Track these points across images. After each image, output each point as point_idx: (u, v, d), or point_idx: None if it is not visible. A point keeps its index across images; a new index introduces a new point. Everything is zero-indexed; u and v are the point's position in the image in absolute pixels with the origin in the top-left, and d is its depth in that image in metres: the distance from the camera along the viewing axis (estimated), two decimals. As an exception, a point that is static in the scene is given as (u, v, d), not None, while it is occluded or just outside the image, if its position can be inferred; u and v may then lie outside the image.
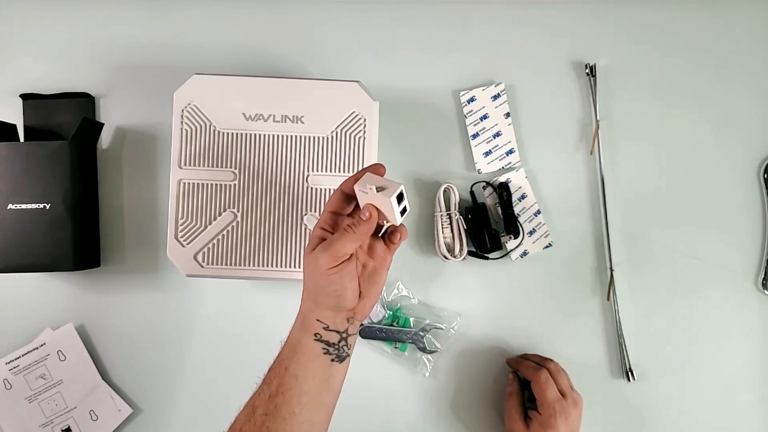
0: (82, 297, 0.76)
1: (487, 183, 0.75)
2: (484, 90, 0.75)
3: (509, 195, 0.74)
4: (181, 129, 0.66)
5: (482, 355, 0.76)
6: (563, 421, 0.65)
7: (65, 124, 0.75)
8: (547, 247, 0.75)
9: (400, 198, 0.49)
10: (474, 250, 0.74)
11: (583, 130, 0.76)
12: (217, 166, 0.66)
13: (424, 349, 0.74)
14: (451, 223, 0.72)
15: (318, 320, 0.53)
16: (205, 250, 0.66)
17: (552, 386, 0.66)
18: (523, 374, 0.70)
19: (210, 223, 0.66)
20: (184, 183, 0.66)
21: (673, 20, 0.76)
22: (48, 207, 0.68)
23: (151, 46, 0.76)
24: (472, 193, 0.74)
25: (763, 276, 0.76)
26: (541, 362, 0.70)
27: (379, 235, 0.54)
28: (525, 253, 0.75)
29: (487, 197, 0.75)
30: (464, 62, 0.76)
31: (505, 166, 0.75)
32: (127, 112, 0.76)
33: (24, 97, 0.75)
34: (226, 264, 0.66)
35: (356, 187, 0.51)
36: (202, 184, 0.66)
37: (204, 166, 0.66)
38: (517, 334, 0.76)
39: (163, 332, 0.76)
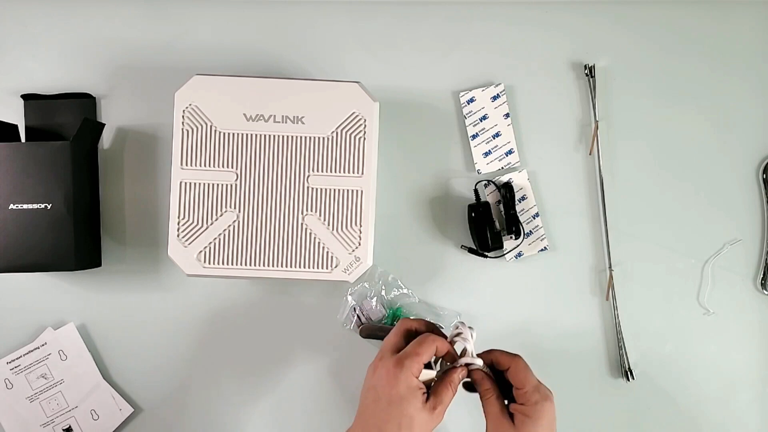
0: (84, 297, 0.76)
1: (490, 181, 0.75)
2: (483, 90, 0.75)
3: (512, 195, 0.74)
4: (182, 129, 0.66)
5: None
6: (549, 408, 0.58)
7: (66, 125, 0.75)
8: (542, 250, 0.75)
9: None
10: (474, 248, 0.74)
11: (582, 130, 0.76)
12: (217, 167, 0.66)
13: (424, 349, 0.74)
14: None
15: None
16: (206, 249, 0.66)
17: (531, 372, 0.60)
18: (497, 361, 0.61)
19: (211, 223, 0.66)
20: (185, 183, 0.66)
21: (673, 20, 0.77)
22: (49, 207, 0.69)
23: (152, 47, 0.76)
24: (476, 191, 0.74)
25: (762, 276, 0.76)
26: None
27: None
28: (520, 255, 0.75)
29: (488, 195, 0.76)
30: (464, 63, 0.76)
31: (505, 166, 0.75)
32: (128, 113, 0.76)
33: (25, 97, 0.76)
34: (227, 264, 0.66)
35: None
36: (203, 185, 0.66)
37: (205, 166, 0.66)
38: (517, 333, 0.76)
39: (165, 332, 0.76)
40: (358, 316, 0.74)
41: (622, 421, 0.76)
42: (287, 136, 0.66)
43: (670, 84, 0.77)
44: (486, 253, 0.74)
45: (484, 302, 0.76)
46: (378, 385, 0.55)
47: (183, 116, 0.66)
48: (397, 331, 0.60)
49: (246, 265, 0.66)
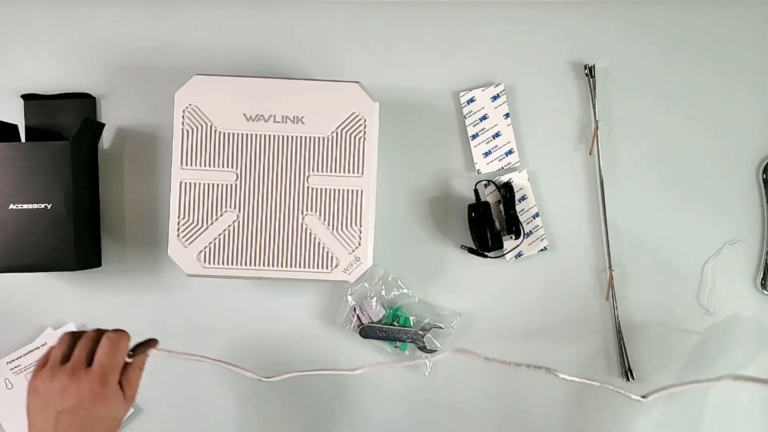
0: (83, 297, 0.76)
1: (490, 181, 0.75)
2: (483, 90, 0.75)
3: (512, 195, 0.74)
4: (182, 129, 0.66)
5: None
6: None
7: (66, 125, 0.75)
8: (542, 250, 0.75)
9: None
10: (474, 248, 0.74)
11: (582, 130, 0.76)
12: (217, 167, 0.66)
13: (424, 349, 0.74)
14: None
15: None
16: (207, 249, 0.66)
17: None
18: None
19: (211, 223, 0.66)
20: (185, 183, 0.66)
21: (673, 21, 0.77)
22: (49, 207, 0.69)
23: (152, 47, 0.76)
24: (476, 191, 0.74)
25: (762, 276, 0.76)
26: None
27: None
28: (520, 255, 0.75)
29: (488, 195, 0.76)
30: (464, 63, 0.76)
31: (505, 166, 0.75)
32: (128, 113, 0.76)
33: (25, 97, 0.76)
34: (227, 264, 0.66)
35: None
36: (203, 185, 0.66)
37: (205, 166, 0.66)
38: (517, 333, 0.76)
39: (164, 332, 0.75)
40: (358, 316, 0.74)
41: (623, 422, 0.76)
42: (287, 136, 0.66)
43: (670, 84, 0.77)
44: (486, 253, 0.74)
45: (484, 302, 0.76)
46: (79, 408, 0.52)
47: (183, 116, 0.66)
48: (63, 341, 0.55)
49: (246, 265, 0.66)
